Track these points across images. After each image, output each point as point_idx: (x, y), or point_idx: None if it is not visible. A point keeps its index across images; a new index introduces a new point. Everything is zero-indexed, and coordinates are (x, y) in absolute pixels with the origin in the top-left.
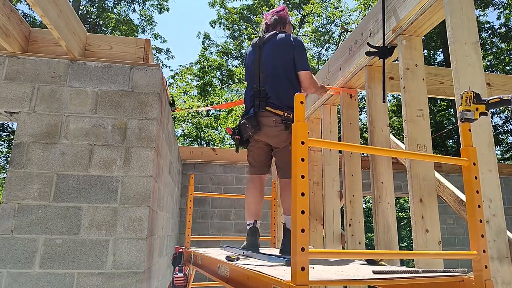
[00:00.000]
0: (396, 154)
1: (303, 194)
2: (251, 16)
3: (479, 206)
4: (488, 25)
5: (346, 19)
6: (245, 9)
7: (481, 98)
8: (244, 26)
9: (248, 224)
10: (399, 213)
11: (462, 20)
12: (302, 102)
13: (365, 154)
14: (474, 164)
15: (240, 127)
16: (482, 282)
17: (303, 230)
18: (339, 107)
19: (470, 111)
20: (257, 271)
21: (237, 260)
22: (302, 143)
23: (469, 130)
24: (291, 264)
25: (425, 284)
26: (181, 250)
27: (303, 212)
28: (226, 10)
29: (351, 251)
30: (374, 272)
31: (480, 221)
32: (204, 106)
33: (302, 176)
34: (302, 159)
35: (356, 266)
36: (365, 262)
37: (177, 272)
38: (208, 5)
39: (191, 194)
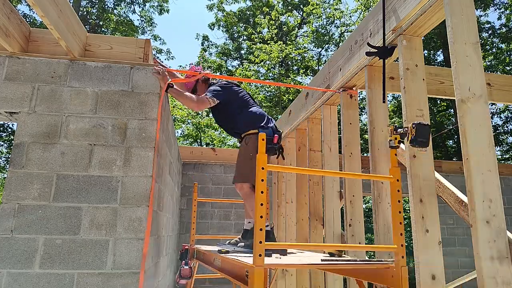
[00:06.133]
0: (338, 175)
1: (262, 204)
2: (250, 18)
3: (400, 212)
4: (489, 25)
5: (346, 20)
6: (243, 10)
7: (397, 130)
8: (243, 27)
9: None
10: None
11: (462, 21)
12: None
13: (365, 154)
14: (398, 180)
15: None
16: (399, 267)
17: (261, 229)
18: (339, 107)
19: (391, 140)
20: (236, 259)
21: (226, 253)
22: (263, 168)
23: (395, 155)
24: (253, 253)
25: (361, 270)
26: (187, 247)
27: (261, 217)
28: (224, 13)
29: (301, 244)
30: (322, 260)
31: (400, 223)
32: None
33: (262, 192)
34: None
35: (317, 257)
36: (328, 255)
37: (183, 265)
38: (206, 8)
39: (195, 199)
